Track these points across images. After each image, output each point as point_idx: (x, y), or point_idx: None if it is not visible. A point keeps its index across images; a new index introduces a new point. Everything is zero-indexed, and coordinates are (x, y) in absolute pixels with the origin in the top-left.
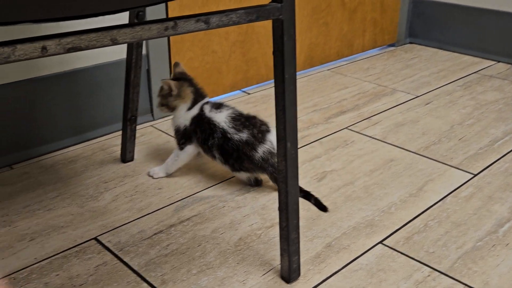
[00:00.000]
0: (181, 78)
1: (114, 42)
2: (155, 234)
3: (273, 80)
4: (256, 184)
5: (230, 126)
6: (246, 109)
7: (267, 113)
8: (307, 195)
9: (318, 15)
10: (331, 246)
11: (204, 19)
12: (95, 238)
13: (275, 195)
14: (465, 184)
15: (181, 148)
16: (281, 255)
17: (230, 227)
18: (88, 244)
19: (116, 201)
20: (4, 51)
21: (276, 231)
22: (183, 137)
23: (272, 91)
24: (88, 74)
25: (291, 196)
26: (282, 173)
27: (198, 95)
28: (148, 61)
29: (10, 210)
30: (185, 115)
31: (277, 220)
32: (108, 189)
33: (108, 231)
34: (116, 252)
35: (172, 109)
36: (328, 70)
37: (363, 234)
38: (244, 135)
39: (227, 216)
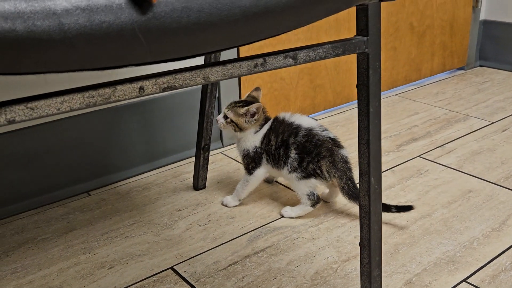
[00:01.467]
0: (253, 102)
1: (206, 80)
2: (230, 265)
3: (340, 106)
4: (318, 201)
5: (318, 124)
6: None
7: None
8: (386, 208)
9: (386, 40)
10: (411, 283)
11: (292, 55)
12: (172, 268)
13: (349, 226)
14: None
15: (251, 173)
16: None
17: (305, 260)
18: (165, 273)
19: (190, 230)
20: (105, 92)
21: (353, 265)
22: (252, 160)
23: (339, 117)
24: (161, 102)
25: (373, 232)
26: (365, 208)
27: (265, 119)
28: (218, 89)
29: (90, 237)
30: (253, 138)
31: (353, 253)
32: (182, 217)
33: (184, 261)
34: (192, 283)
35: (239, 129)
36: (396, 95)
37: (445, 270)
38: (330, 133)
39: (301, 248)
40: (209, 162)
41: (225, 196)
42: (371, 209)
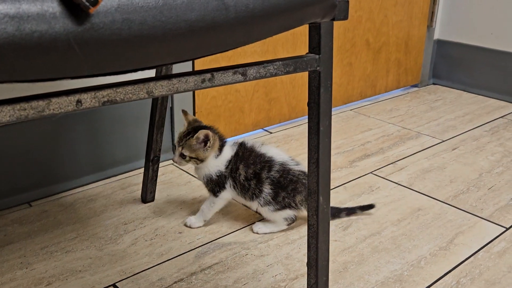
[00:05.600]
0: (200, 126)
1: (150, 95)
2: (175, 282)
3: (295, 119)
4: (294, 220)
5: (289, 157)
6: None
7: (290, 154)
8: (350, 211)
9: (343, 55)
10: None
11: (242, 71)
12: (114, 285)
13: (299, 243)
14: (497, 238)
15: (217, 195)
16: None
17: (253, 278)
18: None
19: (135, 245)
20: (39, 105)
21: (301, 284)
22: (217, 184)
23: (293, 130)
24: (109, 111)
25: (321, 252)
26: (313, 227)
27: (221, 140)
28: (171, 99)
29: (28, 251)
30: (215, 162)
31: (302, 271)
32: (127, 232)
33: (127, 277)
34: None
35: (201, 161)
36: (351, 110)
37: None
38: (302, 167)
39: (250, 265)
40: (159, 173)
41: (188, 217)
42: (319, 228)
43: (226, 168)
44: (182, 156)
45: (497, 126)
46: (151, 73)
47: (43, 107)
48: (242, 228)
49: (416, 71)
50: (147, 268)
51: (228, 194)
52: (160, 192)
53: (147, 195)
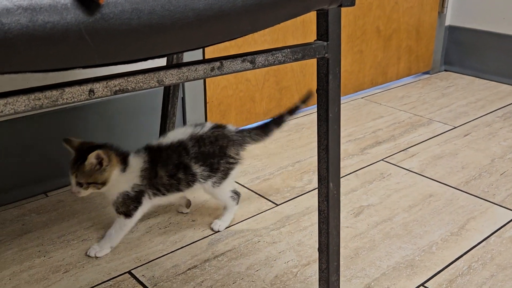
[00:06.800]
0: (91, 146)
1: (161, 84)
2: (189, 269)
3: (306, 108)
4: (239, 195)
5: (192, 127)
6: (280, 138)
7: (301, 143)
8: (291, 109)
9: (353, 43)
10: (370, 287)
11: (250, 59)
12: (129, 272)
13: (310, 230)
14: (509, 223)
15: (131, 215)
16: None
17: (266, 264)
18: (122, 277)
19: (150, 233)
20: (53, 95)
21: (312, 270)
22: (134, 200)
23: (304, 119)
24: (123, 102)
25: (332, 237)
26: (323, 213)
27: (120, 153)
28: (183, 90)
29: (45, 239)
30: (125, 177)
31: (314, 257)
32: (142, 220)
33: (142, 265)
34: (150, 287)
35: (103, 184)
36: (362, 98)
37: (403, 275)
38: (208, 124)
39: (262, 252)
40: None
41: (92, 246)
42: (329, 214)
43: (142, 180)
44: (79, 184)
45: (509, 111)
46: (162, 62)
47: (57, 97)
48: (254, 216)
49: (428, 57)
50: (162, 255)
51: (142, 210)
52: None
53: None
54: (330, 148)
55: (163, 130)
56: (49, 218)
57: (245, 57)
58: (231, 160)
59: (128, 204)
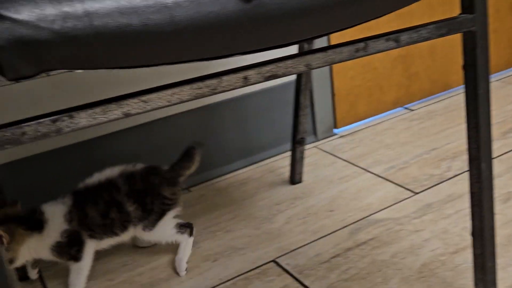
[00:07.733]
0: None
1: (308, 67)
2: (332, 257)
3: (437, 94)
4: (191, 225)
5: (124, 165)
6: (411, 126)
7: (435, 130)
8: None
9: None
10: None
11: (394, 37)
12: (274, 261)
13: (455, 217)
14: None
15: (80, 258)
16: (476, 284)
17: (411, 252)
18: (268, 266)
19: (289, 223)
20: (212, 83)
21: (462, 258)
22: (72, 243)
23: (436, 106)
24: (255, 98)
25: (486, 221)
26: (476, 195)
27: (32, 212)
28: (311, 82)
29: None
30: (49, 232)
31: (462, 245)
32: (280, 211)
33: (286, 254)
34: (296, 275)
35: (14, 258)
36: (497, 80)
37: None
38: (142, 164)
39: (405, 240)
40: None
41: None
42: (482, 196)
43: (70, 222)
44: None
45: None
46: (291, 50)
47: (215, 85)
48: (393, 205)
49: None
50: (304, 244)
51: (91, 248)
52: (307, 174)
53: (295, 176)
54: (481, 127)
55: (296, 122)
56: (193, 211)
57: (388, 36)
58: (166, 202)
59: (68, 251)
